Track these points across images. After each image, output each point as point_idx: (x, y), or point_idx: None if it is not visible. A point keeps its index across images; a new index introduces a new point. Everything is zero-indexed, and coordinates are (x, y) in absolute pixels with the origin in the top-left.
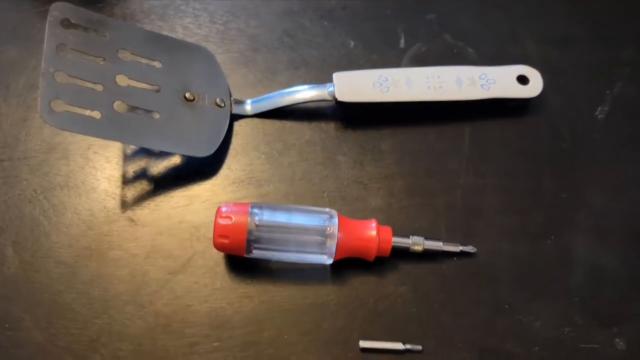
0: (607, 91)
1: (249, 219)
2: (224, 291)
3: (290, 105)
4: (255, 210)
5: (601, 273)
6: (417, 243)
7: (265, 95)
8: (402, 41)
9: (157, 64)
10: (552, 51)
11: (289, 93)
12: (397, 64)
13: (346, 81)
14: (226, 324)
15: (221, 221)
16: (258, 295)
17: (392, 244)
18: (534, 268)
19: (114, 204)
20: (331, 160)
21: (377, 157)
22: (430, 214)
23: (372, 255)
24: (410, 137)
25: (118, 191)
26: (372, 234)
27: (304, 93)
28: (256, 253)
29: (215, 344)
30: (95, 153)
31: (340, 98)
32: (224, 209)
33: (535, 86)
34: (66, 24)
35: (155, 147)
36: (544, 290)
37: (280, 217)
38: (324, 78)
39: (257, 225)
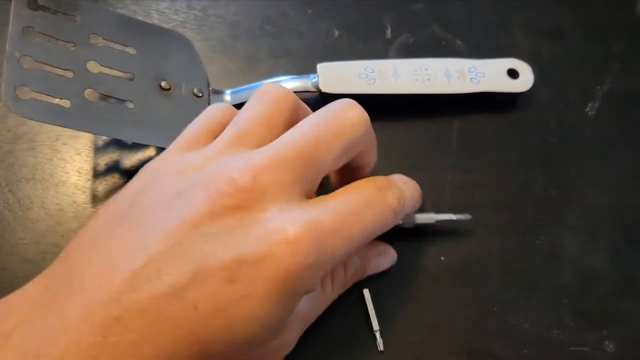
0: (598, 86)
1: None
2: None
3: None
4: None
5: (591, 273)
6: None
7: (245, 86)
8: (389, 31)
9: (130, 51)
10: (543, 44)
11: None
12: (384, 55)
13: (331, 72)
14: None
15: None
16: None
17: None
18: (523, 267)
19: (84, 198)
20: None
21: None
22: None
23: None
24: (398, 132)
25: (89, 185)
26: None
27: (286, 84)
28: None
29: None
30: (65, 144)
31: (324, 89)
32: None
33: (525, 81)
34: (33, 6)
35: (129, 138)
36: (533, 290)
37: None
38: (307, 68)
39: None
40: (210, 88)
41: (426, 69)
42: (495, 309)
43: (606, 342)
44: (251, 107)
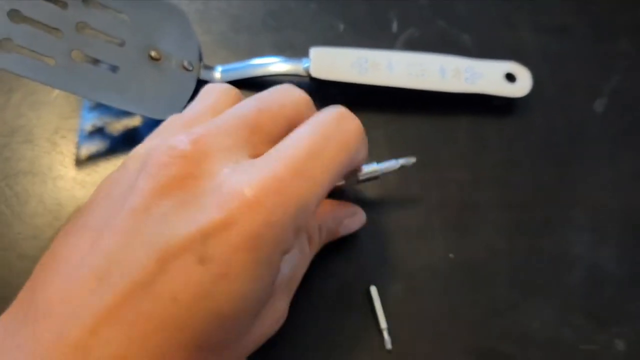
0: (605, 84)
1: None
2: None
3: (263, 76)
4: None
5: (600, 272)
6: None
7: (237, 64)
8: (395, 25)
9: (124, 17)
10: (549, 41)
11: (262, 65)
12: (390, 50)
13: (324, 58)
14: None
15: None
16: None
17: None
18: (532, 266)
19: (83, 192)
20: None
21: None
22: (423, 208)
23: None
24: (404, 127)
25: (88, 179)
26: None
27: (277, 65)
28: None
29: None
30: (63, 137)
31: (314, 74)
32: None
33: (523, 86)
34: None
35: (112, 103)
36: (542, 290)
37: None
38: None
39: None
40: (201, 62)
41: (421, 64)
42: (504, 307)
43: (616, 341)
44: (195, 103)
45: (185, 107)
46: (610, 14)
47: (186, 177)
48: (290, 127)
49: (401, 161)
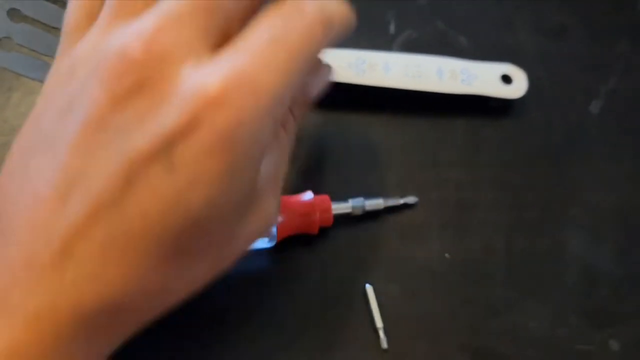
0: (602, 85)
1: None
2: None
3: None
4: None
5: (596, 272)
6: (358, 208)
7: None
8: (392, 27)
9: None
10: (546, 42)
11: None
12: (387, 51)
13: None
14: None
15: None
16: None
17: (333, 211)
18: (528, 266)
19: None
20: (315, 146)
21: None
22: (420, 208)
23: (315, 227)
24: (402, 128)
25: None
26: (310, 205)
27: None
28: None
29: None
30: None
31: None
32: None
33: (519, 87)
34: None
35: None
36: (538, 289)
37: None
38: None
39: None
40: None
41: (418, 66)
42: (500, 307)
43: (611, 341)
44: None
45: None
46: (607, 16)
47: (143, 84)
48: (253, 7)
49: (404, 199)
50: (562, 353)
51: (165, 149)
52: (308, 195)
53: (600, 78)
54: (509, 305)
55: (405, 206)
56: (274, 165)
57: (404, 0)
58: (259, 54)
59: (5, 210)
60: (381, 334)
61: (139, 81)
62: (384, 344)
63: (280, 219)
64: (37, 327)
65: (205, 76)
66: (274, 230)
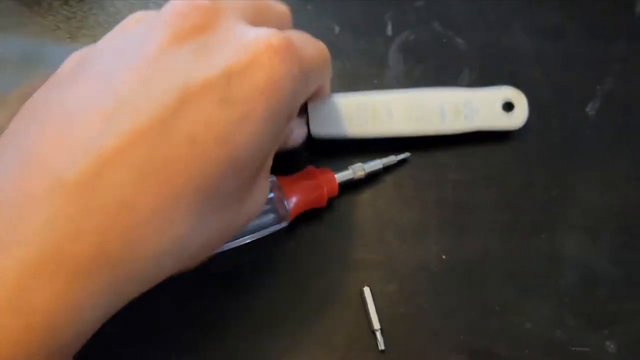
0: (598, 87)
1: None
2: None
3: None
4: None
5: (592, 273)
6: (358, 170)
7: None
8: (390, 28)
9: None
10: (543, 43)
11: None
12: (385, 53)
13: (322, 113)
14: None
15: None
16: None
17: (337, 180)
18: (525, 267)
19: None
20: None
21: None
22: (419, 208)
23: (324, 199)
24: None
25: None
26: (317, 180)
27: None
28: None
29: None
30: None
31: (315, 134)
32: None
33: (520, 114)
34: None
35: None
36: (535, 290)
37: None
38: None
39: None
40: None
41: (421, 106)
42: (497, 308)
43: (607, 343)
44: None
45: None
46: (604, 17)
47: (205, 26)
48: (285, 19)
49: (399, 156)
50: (559, 354)
51: (224, 81)
52: (308, 172)
53: (597, 79)
54: (506, 306)
55: (401, 162)
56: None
57: (401, 2)
58: (301, 39)
59: (27, 134)
60: (378, 335)
61: (202, 23)
62: (382, 345)
63: (294, 199)
64: (55, 260)
65: (266, 32)
66: (287, 209)
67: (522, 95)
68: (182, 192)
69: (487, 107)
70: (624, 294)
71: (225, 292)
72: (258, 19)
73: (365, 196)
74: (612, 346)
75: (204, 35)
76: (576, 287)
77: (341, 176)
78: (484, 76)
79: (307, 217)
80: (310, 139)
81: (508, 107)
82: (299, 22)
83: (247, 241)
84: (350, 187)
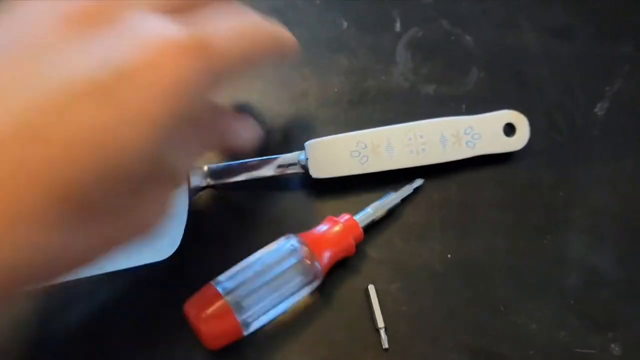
0: (607, 87)
1: (223, 298)
2: None
3: (258, 178)
4: (225, 285)
5: (597, 275)
6: (379, 209)
7: (225, 165)
8: (398, 25)
9: None
10: (552, 43)
11: (256, 166)
12: (393, 49)
13: (320, 151)
14: None
15: (200, 316)
16: None
17: (360, 224)
18: (530, 268)
19: None
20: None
21: None
22: (424, 208)
23: (353, 248)
24: None
25: None
26: (342, 230)
27: (274, 161)
28: (253, 322)
29: None
30: None
31: (314, 175)
32: (193, 305)
33: (521, 136)
34: None
35: (116, 267)
36: (540, 292)
37: (253, 277)
38: (314, 58)
39: (229, 293)
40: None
41: (421, 136)
42: (502, 308)
43: (612, 345)
44: None
45: (185, 229)
46: (614, 17)
47: (101, 14)
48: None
49: (414, 185)
50: (563, 356)
51: (111, 82)
52: (330, 223)
53: (605, 80)
54: (509, 307)
55: (416, 191)
56: (178, 159)
57: None
58: (223, 31)
59: None
60: (382, 334)
61: (97, 9)
62: (385, 343)
63: (325, 255)
64: None
65: (169, 28)
66: (320, 268)
67: (523, 118)
68: (47, 199)
69: (488, 132)
70: (629, 296)
71: None
72: (177, 4)
73: (371, 195)
74: (616, 349)
75: (97, 25)
76: (581, 289)
77: (364, 220)
78: (491, 74)
79: None
80: (311, 180)
81: (510, 129)
82: (306, 16)
83: (280, 312)
84: None
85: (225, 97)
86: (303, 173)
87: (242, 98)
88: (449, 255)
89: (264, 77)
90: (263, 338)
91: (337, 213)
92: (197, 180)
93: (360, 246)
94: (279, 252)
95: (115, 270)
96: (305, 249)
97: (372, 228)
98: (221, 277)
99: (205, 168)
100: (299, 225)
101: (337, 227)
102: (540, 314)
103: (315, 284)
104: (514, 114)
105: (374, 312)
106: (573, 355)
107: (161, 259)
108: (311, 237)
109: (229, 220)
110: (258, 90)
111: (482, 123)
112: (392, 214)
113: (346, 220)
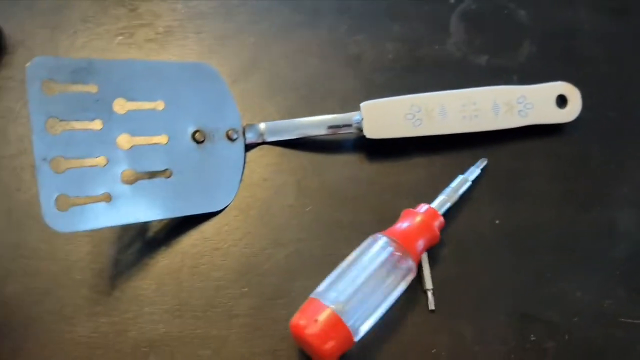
0: None
1: (329, 307)
2: (255, 236)
3: (315, 136)
4: (327, 295)
5: None
6: (452, 194)
7: (281, 120)
8: None
9: (159, 105)
10: (607, 21)
11: (313, 122)
12: (447, 20)
13: (375, 113)
14: (256, 269)
15: (311, 330)
16: (291, 243)
17: (440, 212)
18: (577, 237)
19: None
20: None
21: None
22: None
23: (438, 236)
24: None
25: None
26: (424, 220)
27: (328, 121)
28: (361, 328)
29: (243, 289)
30: None
31: (368, 135)
32: (301, 322)
33: (573, 109)
34: (49, 87)
35: (175, 214)
36: (587, 261)
37: (351, 282)
38: (368, 26)
39: (333, 302)
40: (243, 125)
41: (474, 103)
42: (548, 275)
43: None
44: None
45: (239, 182)
46: None
47: None
48: None
49: (480, 166)
50: (608, 325)
51: None
52: (411, 216)
53: None
54: (556, 274)
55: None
56: None
57: None
58: None
59: None
60: (429, 295)
61: None
62: (432, 305)
63: (417, 248)
64: None
65: None
66: (412, 263)
67: (576, 90)
68: None
69: (541, 102)
70: None
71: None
72: None
73: (419, 160)
74: None
75: None
76: (627, 261)
77: (441, 207)
78: (543, 49)
79: None
80: (362, 141)
81: (561, 101)
82: None
83: (383, 312)
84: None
85: (283, 59)
86: (356, 133)
87: (298, 60)
88: (497, 221)
89: (319, 41)
90: (308, 289)
91: (389, 174)
92: (252, 137)
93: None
94: (370, 253)
95: (174, 216)
96: (396, 246)
97: (422, 190)
98: (320, 288)
99: (262, 126)
100: (353, 189)
101: (418, 218)
102: (585, 282)
103: (410, 277)
104: (567, 85)
105: (423, 274)
106: (617, 324)
107: (217, 209)
108: (398, 233)
109: (284, 180)
110: (315, 54)
111: (535, 93)
112: (469, 216)
113: (426, 211)
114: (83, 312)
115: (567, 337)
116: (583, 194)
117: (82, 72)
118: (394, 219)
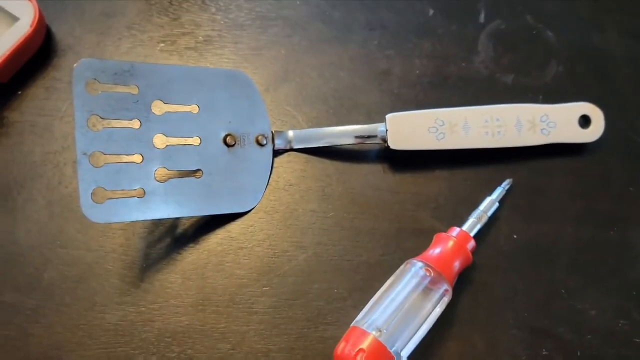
0: None
1: (372, 335)
2: (278, 238)
3: (340, 145)
4: (367, 322)
5: None
6: (481, 216)
7: (309, 129)
8: (482, 16)
9: (194, 109)
10: (635, 45)
11: (339, 131)
12: (475, 38)
13: (400, 125)
14: (277, 270)
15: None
16: (312, 246)
17: (471, 234)
18: (594, 256)
19: None
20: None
21: None
22: (495, 188)
23: (470, 258)
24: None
25: None
26: (457, 244)
27: (353, 132)
28: (402, 352)
29: (264, 288)
30: None
31: (393, 146)
32: (346, 350)
33: (596, 129)
34: (93, 87)
35: (203, 212)
36: (603, 280)
37: (391, 308)
38: (398, 43)
39: (374, 329)
40: (272, 132)
41: (497, 119)
42: (563, 292)
43: None
44: None
45: (266, 186)
46: None
47: None
48: None
49: (504, 187)
50: (621, 345)
51: None
52: (444, 241)
53: None
54: (571, 292)
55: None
56: None
57: None
58: None
59: None
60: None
61: None
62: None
63: (451, 272)
64: None
65: None
66: (448, 286)
67: (599, 111)
68: None
69: (563, 121)
70: None
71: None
72: None
73: (441, 173)
74: None
75: None
76: None
77: (472, 229)
78: (570, 70)
79: None
80: (387, 152)
81: (584, 121)
82: (396, 2)
83: (422, 335)
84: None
85: (314, 71)
86: (380, 144)
87: (328, 73)
88: (515, 236)
89: (350, 55)
90: (326, 290)
91: (410, 185)
92: (281, 143)
93: (428, 218)
94: (405, 280)
95: (203, 215)
96: (430, 272)
97: (442, 201)
98: (360, 316)
99: (291, 133)
100: (375, 198)
101: (451, 242)
102: (601, 301)
103: (446, 299)
104: (590, 106)
105: None
106: (631, 345)
107: (244, 210)
108: (432, 259)
109: (309, 185)
110: (345, 67)
111: (558, 112)
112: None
113: (458, 234)
114: (112, 301)
115: (579, 353)
116: (602, 214)
117: (124, 75)
118: (412, 229)
